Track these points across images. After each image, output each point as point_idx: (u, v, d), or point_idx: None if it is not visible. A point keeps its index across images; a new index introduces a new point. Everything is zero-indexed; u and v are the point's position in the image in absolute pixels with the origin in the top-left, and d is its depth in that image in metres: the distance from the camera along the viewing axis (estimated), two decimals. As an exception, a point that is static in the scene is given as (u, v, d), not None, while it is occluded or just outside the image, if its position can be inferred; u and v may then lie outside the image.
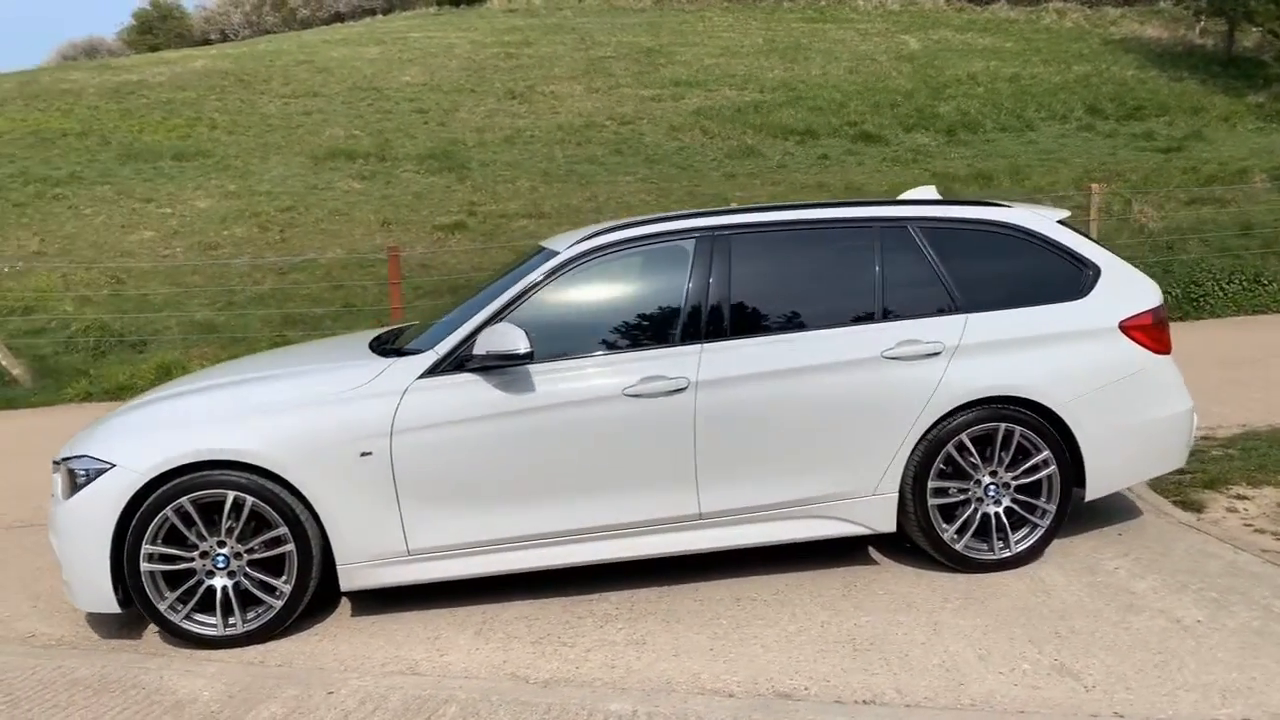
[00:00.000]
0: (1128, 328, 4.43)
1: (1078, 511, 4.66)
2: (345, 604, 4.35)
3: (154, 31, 45.92)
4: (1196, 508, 4.96)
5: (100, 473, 3.88)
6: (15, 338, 10.52)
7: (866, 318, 4.29)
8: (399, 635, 4.02)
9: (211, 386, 4.29)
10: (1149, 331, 4.47)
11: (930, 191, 5.19)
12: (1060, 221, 4.64)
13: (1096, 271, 4.50)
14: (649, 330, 4.24)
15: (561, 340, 4.19)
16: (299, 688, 3.58)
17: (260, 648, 3.96)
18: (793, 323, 4.29)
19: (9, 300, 11.44)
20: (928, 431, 4.23)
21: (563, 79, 22.96)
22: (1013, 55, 24.45)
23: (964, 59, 23.93)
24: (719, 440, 4.11)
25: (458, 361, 4.06)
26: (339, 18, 40.78)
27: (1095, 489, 4.43)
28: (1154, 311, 4.51)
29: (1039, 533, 4.36)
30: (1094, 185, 10.45)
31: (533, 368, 4.07)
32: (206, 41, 41.64)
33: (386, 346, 4.48)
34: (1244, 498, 5.06)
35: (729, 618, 4.02)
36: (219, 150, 17.94)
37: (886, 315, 4.30)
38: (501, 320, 4.10)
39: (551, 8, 33.81)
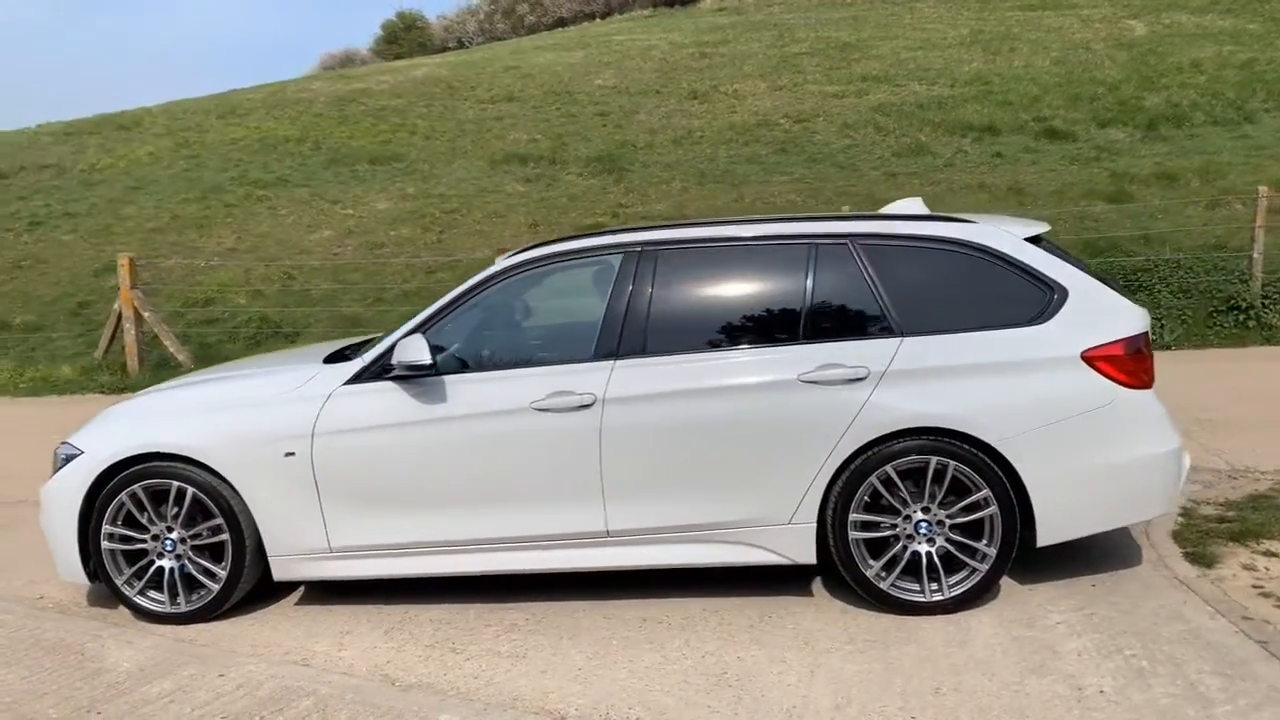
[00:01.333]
0: (1092, 358, 4.01)
1: (1066, 553, 4.29)
2: (303, 591, 4.65)
3: (399, 41, 49.41)
4: (1207, 561, 4.41)
5: (72, 458, 4.36)
6: (191, 326, 11.78)
7: (789, 339, 4.12)
8: (320, 626, 4.28)
9: (179, 385, 4.71)
10: (1120, 363, 4.02)
11: (916, 204, 4.89)
12: (1033, 238, 4.26)
13: (1062, 295, 4.10)
14: (567, 345, 4.28)
15: (483, 352, 4.31)
16: (200, 666, 3.90)
17: (200, 626, 4.32)
18: (712, 342, 4.19)
19: (196, 292, 12.82)
20: (850, 461, 4.01)
21: (749, 77, 22.87)
22: (1254, 39, 22.02)
23: (1193, 44, 21.80)
24: (626, 458, 4.09)
25: (379, 370, 4.25)
26: (561, 23, 42.43)
27: (1047, 534, 4.05)
28: (1128, 341, 4.05)
29: (977, 577, 4.04)
30: (1261, 189, 9.33)
31: (449, 378, 4.20)
32: (445, 49, 44.41)
33: (338, 354, 4.74)
34: (1274, 555, 4.44)
35: (621, 638, 4.00)
36: (412, 154, 19.19)
37: (812, 336, 4.11)
38: (427, 330, 4.26)
39: (760, 4, 33.74)
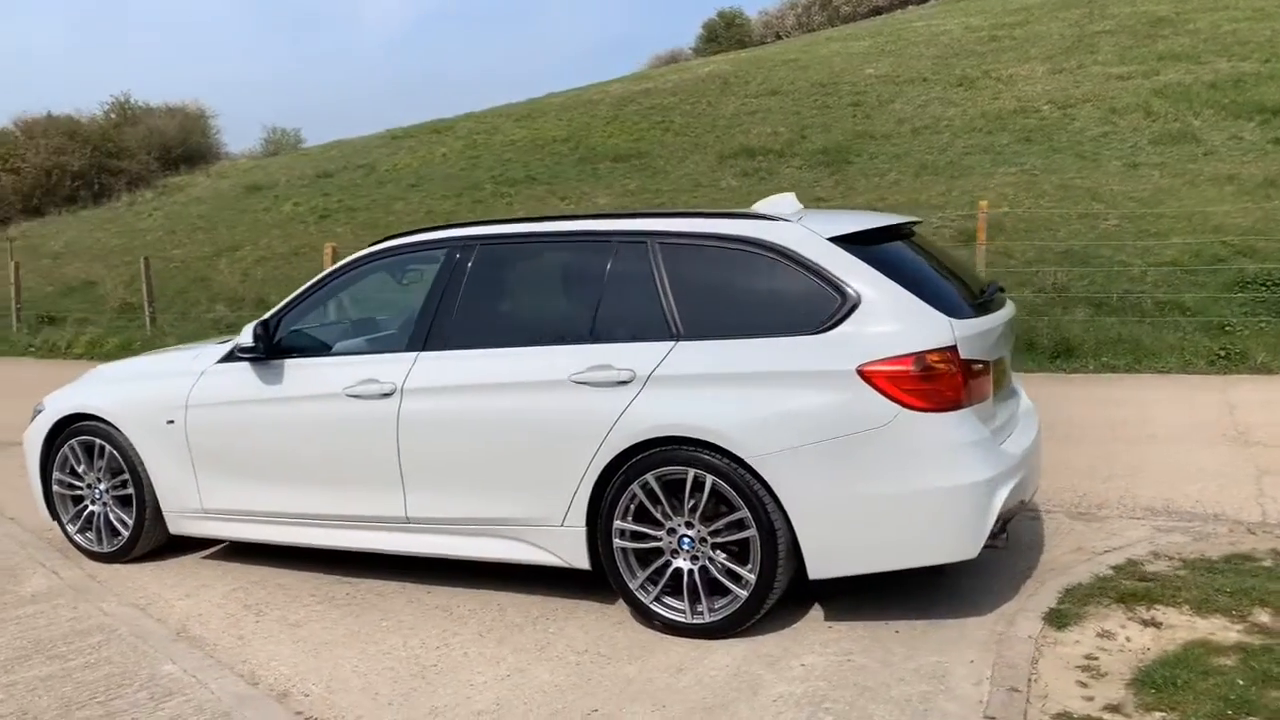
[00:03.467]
0: (871, 373, 3.56)
1: (912, 589, 3.91)
2: (226, 547, 5.22)
3: (719, 39, 50.51)
4: (1061, 622, 3.74)
5: (39, 413, 5.21)
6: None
7: (576, 337, 4.02)
8: (188, 579, 4.80)
9: (133, 359, 5.42)
10: (906, 380, 3.53)
11: (789, 201, 4.52)
12: (845, 236, 3.83)
13: (854, 302, 3.66)
14: (388, 335, 4.46)
15: (320, 339, 4.60)
16: (73, 597, 4.55)
17: (115, 566, 4.99)
18: (508, 338, 4.19)
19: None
20: (615, 466, 3.86)
21: (1030, 60, 21.16)
22: None
23: None
24: (420, 448, 4.21)
25: (233, 352, 4.68)
26: (877, 11, 41.33)
27: (817, 567, 3.66)
28: (919, 356, 3.54)
29: (738, 604, 3.74)
30: None
31: (288, 362, 4.54)
32: (762, 44, 44.81)
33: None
34: (1155, 624, 3.67)
35: (395, 621, 4.15)
36: (655, 151, 19.79)
37: (596, 336, 3.99)
38: (283, 316, 4.63)
39: (1083, -20, 30.94)
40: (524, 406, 4.01)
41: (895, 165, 15.79)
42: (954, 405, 3.57)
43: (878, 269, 3.73)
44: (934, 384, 3.54)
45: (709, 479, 3.71)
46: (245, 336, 4.51)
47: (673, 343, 3.84)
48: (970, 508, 3.56)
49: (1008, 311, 4.34)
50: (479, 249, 4.34)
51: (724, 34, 51.19)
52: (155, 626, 4.19)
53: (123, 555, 5.01)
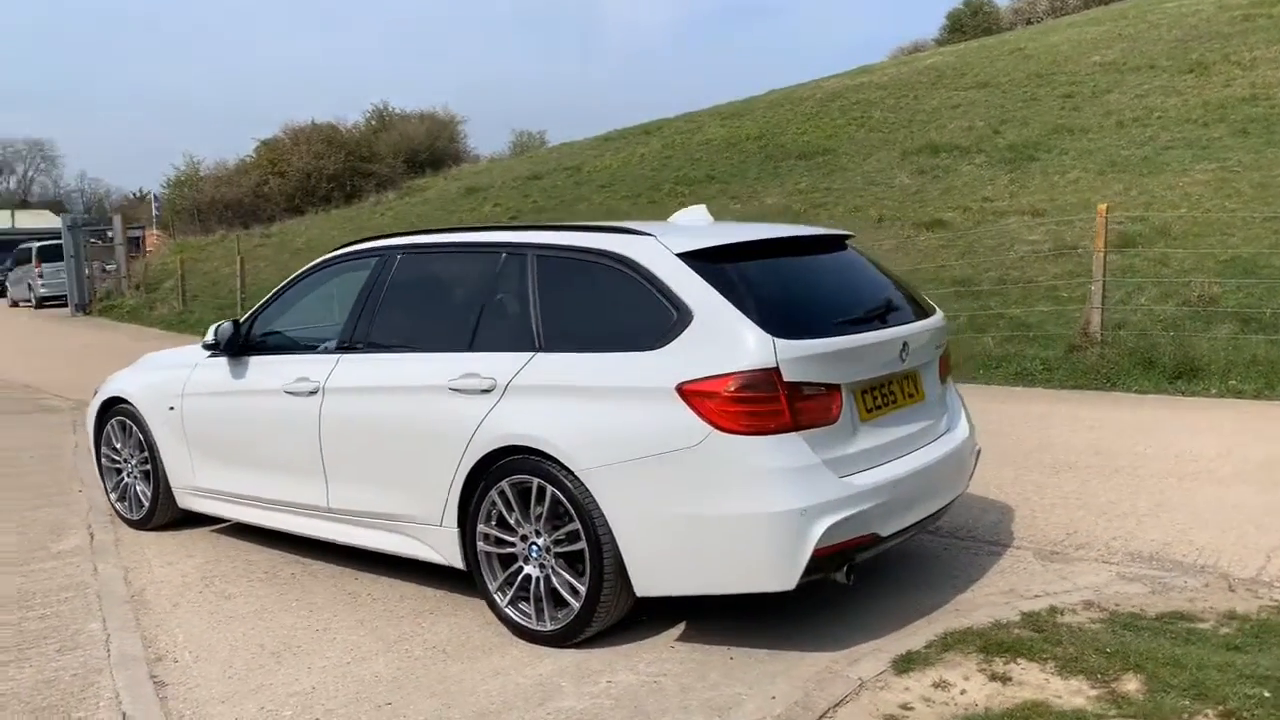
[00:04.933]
0: (688, 392, 3.49)
1: (803, 618, 3.82)
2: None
3: (964, 29, 48.22)
4: (906, 666, 3.50)
5: (95, 394, 5.99)
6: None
7: (458, 345, 4.18)
8: (180, 546, 5.37)
9: (168, 350, 6.07)
10: (719, 401, 3.44)
11: (699, 213, 4.47)
12: (699, 251, 3.75)
13: (686, 319, 3.59)
14: (323, 336, 4.79)
15: (282, 336, 5.01)
16: (85, 557, 5.23)
17: (136, 532, 5.66)
18: (408, 343, 4.41)
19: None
20: (476, 471, 3.99)
21: (1280, 42, 18.91)
22: None
23: None
24: (335, 443, 4.52)
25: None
26: (1135, -9, 38.14)
27: (641, 584, 3.64)
28: (735, 377, 3.43)
29: (572, 615, 3.77)
30: None
31: (253, 359, 4.99)
32: (1011, 29, 42.40)
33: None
34: (1005, 679, 3.37)
35: (307, 602, 4.47)
36: (842, 148, 19.36)
37: (474, 345, 4.13)
38: (256, 316, 5.09)
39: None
40: (411, 410, 4.21)
41: (1081, 162, 14.61)
42: (772, 429, 3.43)
43: (724, 286, 3.62)
44: (747, 406, 3.41)
45: (549, 489, 3.76)
46: (209, 335, 5.00)
47: (532, 354, 3.91)
48: (778, 538, 3.39)
49: (917, 326, 4.07)
50: (400, 257, 4.59)
51: (969, 23, 48.80)
52: (121, 589, 4.75)
53: (145, 524, 5.67)
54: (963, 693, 3.31)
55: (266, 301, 5.12)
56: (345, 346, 4.59)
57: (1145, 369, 8.11)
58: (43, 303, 27.50)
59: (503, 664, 3.73)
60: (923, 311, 4.30)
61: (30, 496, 6.58)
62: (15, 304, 30.15)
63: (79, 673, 3.81)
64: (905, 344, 3.93)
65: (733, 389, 3.43)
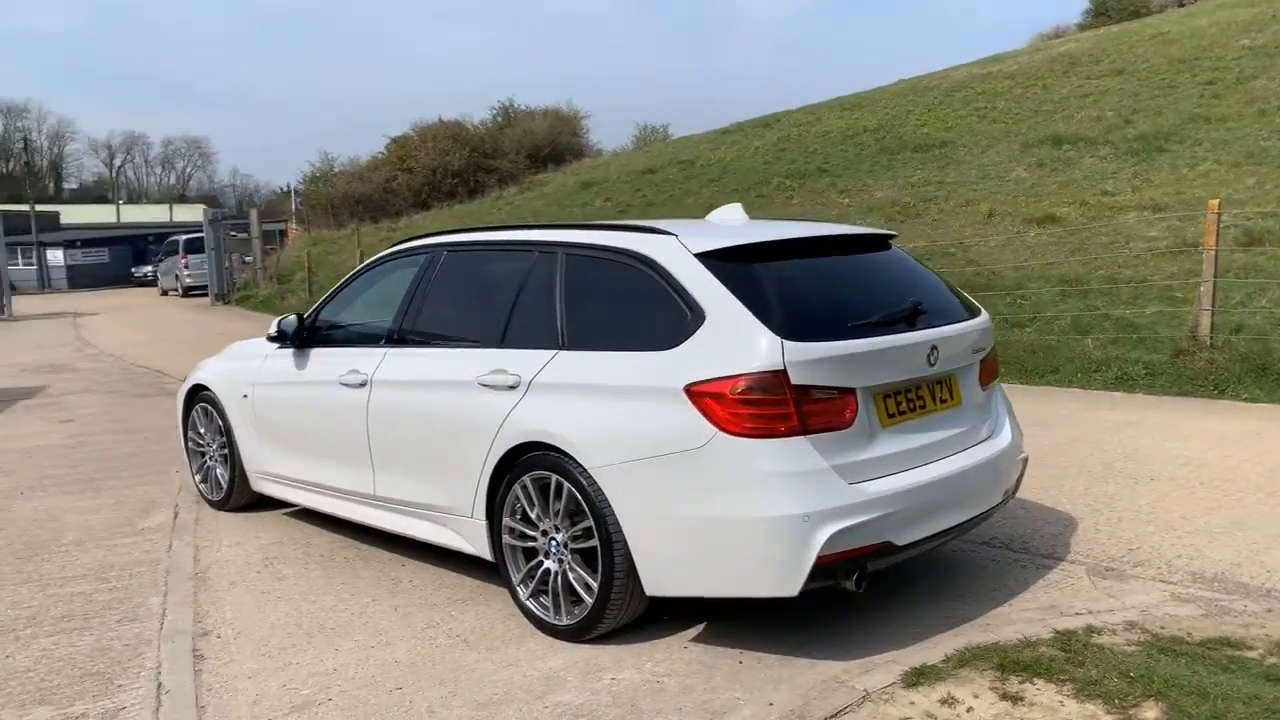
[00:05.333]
0: (696, 393, 3.47)
1: (827, 627, 3.79)
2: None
3: (1108, 12, 45.95)
4: (915, 680, 3.39)
5: (185, 380, 6.35)
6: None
7: (491, 341, 4.26)
8: (251, 527, 5.64)
9: (246, 341, 6.36)
10: (724, 403, 3.41)
11: (735, 213, 4.43)
12: (718, 251, 3.73)
13: (699, 319, 3.58)
14: (377, 330, 4.95)
15: (341, 330, 5.20)
16: (162, 535, 5.56)
17: (217, 513, 5.98)
18: (447, 338, 4.53)
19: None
20: (502, 466, 4.07)
21: None
22: None
23: None
24: (381, 434, 4.67)
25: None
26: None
27: (651, 584, 3.64)
28: (740, 379, 3.40)
29: (586, 611, 3.81)
30: None
31: (314, 351, 5.20)
32: (1162, 11, 40.26)
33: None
34: (1014, 699, 3.24)
35: (351, 586, 4.64)
36: (960, 140, 18.79)
37: (505, 342, 4.21)
38: (320, 311, 5.31)
39: None
40: (447, 403, 4.31)
41: (1215, 154, 13.78)
42: (779, 432, 3.37)
43: (738, 286, 3.59)
44: (753, 409, 3.37)
45: (566, 486, 3.81)
46: (273, 328, 5.23)
47: (555, 351, 3.96)
48: (779, 543, 3.34)
49: (950, 330, 3.93)
50: (445, 255, 4.71)
51: (1114, 5, 46.53)
52: (188, 565, 5.03)
53: (224, 505, 5.98)
54: (969, 710, 3.20)
55: (329, 296, 5.32)
56: (392, 340, 4.74)
57: (1258, 376, 7.61)
58: (188, 292, 29.24)
59: (517, 656, 3.79)
60: (963, 314, 4.16)
61: (133, 475, 7.02)
62: (165, 293, 32.14)
63: (131, 643, 4.06)
64: (934, 348, 3.81)
65: (739, 391, 3.39)
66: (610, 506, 3.64)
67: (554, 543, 3.93)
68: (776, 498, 3.36)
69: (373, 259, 5.20)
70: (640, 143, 49.73)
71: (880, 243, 4.36)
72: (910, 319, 3.82)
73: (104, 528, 5.73)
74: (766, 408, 3.38)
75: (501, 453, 4.02)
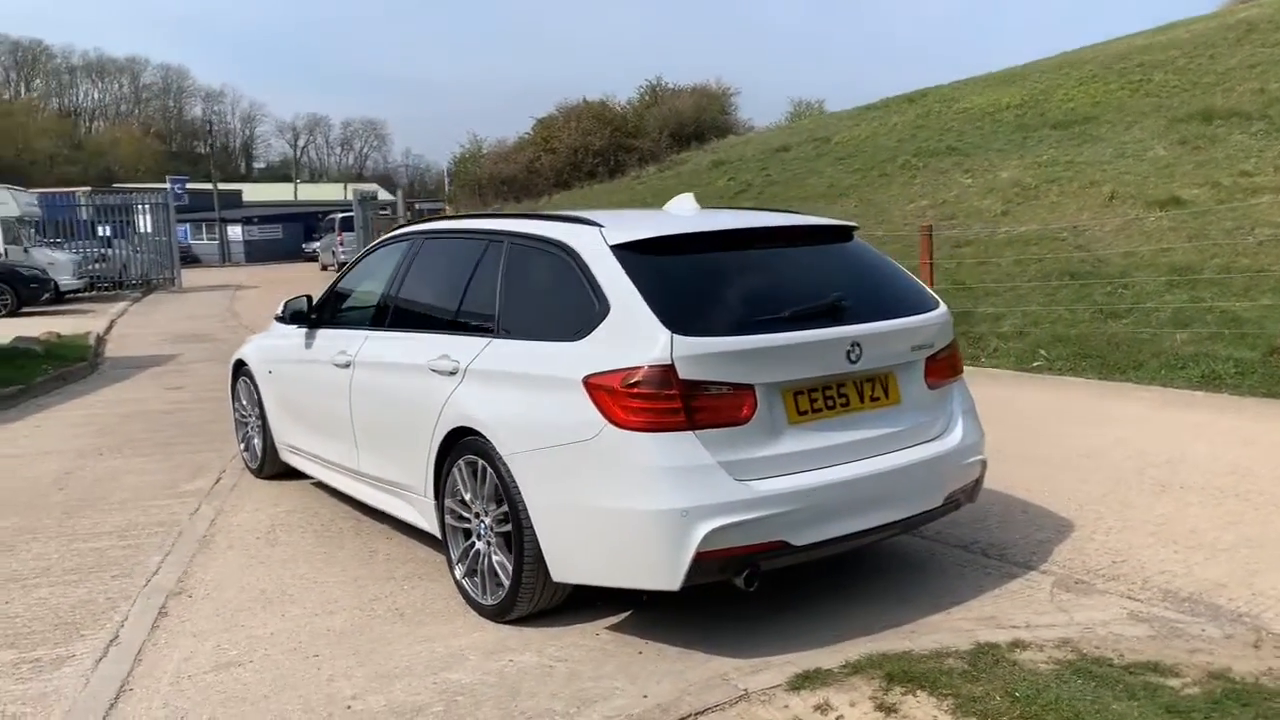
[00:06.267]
0: (591, 385, 3.50)
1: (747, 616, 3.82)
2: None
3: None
4: (801, 684, 3.32)
5: (231, 356, 6.79)
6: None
7: (442, 328, 4.40)
8: (273, 494, 5.98)
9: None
10: (616, 396, 3.42)
11: (688, 202, 4.38)
12: (634, 243, 3.72)
13: (605, 311, 3.59)
14: (366, 313, 5.16)
15: (341, 312, 5.45)
16: (194, 498, 6.00)
17: (253, 479, 6.39)
18: (412, 323, 4.68)
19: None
20: (443, 447, 4.20)
21: None
22: None
23: None
24: (360, 413, 4.89)
25: (292, 318, 5.72)
26: None
27: (556, 570, 3.70)
28: (631, 372, 3.40)
29: (503, 594, 3.90)
30: None
31: (319, 331, 5.47)
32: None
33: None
34: (889, 710, 3.13)
35: (330, 555, 4.89)
36: (1105, 116, 17.68)
37: (453, 328, 4.33)
38: (334, 289, 5.58)
39: None
40: (404, 386, 4.48)
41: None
42: (665, 426, 3.35)
43: (644, 279, 3.57)
44: (641, 402, 3.36)
45: (489, 471, 3.90)
46: (279, 309, 5.53)
47: (491, 339, 4.05)
48: (659, 537, 3.32)
49: (879, 326, 3.78)
50: (422, 242, 4.86)
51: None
52: (201, 529, 5.40)
53: (260, 473, 6.38)
54: (839, 718, 3.12)
55: (336, 279, 5.57)
56: (373, 322, 4.94)
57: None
58: (341, 266, 30.87)
59: (439, 632, 3.92)
60: (910, 310, 3.98)
61: (203, 442, 7.56)
62: (324, 268, 34.04)
63: (113, 597, 4.42)
64: (856, 344, 3.67)
65: (627, 384, 3.39)
66: (520, 493, 3.71)
67: (483, 525, 4.03)
68: (657, 492, 3.34)
69: (372, 244, 5.41)
70: (793, 119, 48.98)
71: (835, 234, 4.23)
72: (833, 314, 3.70)
73: (151, 489, 6.21)
74: (653, 402, 3.36)
75: (443, 435, 4.15)
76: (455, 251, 4.66)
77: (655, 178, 28.41)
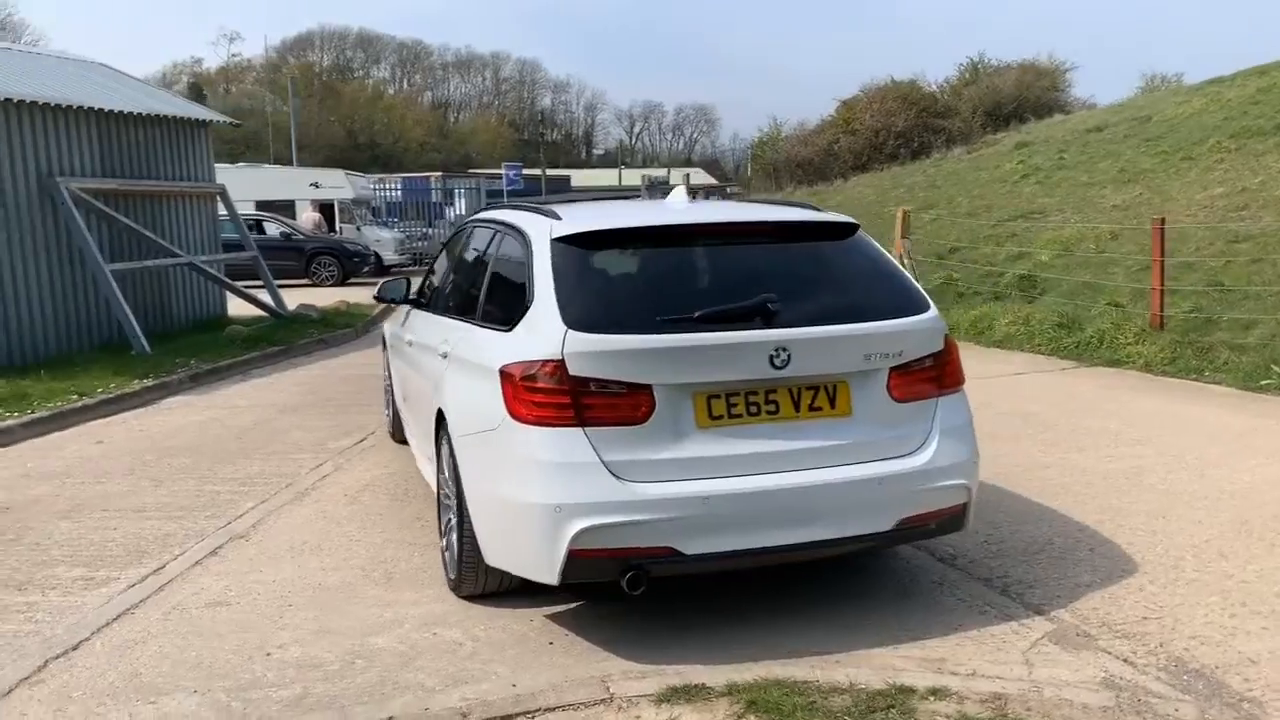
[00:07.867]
0: (503, 374, 3.56)
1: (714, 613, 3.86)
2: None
3: None
4: (664, 699, 3.21)
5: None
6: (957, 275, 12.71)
7: (454, 313, 4.62)
8: (379, 458, 6.50)
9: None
10: (515, 388, 3.46)
11: (679, 194, 4.27)
12: (575, 236, 3.71)
13: (530, 302, 3.63)
14: (430, 295, 5.49)
15: (422, 292, 5.81)
16: (312, 455, 6.68)
17: (386, 440, 6.99)
18: (445, 307, 4.93)
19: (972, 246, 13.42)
20: (437, 426, 4.42)
21: None
22: None
23: None
24: (409, 387, 5.29)
25: (400, 297, 6.16)
26: None
27: (488, 554, 3.77)
28: (525, 366, 3.42)
29: (456, 571, 4.07)
30: None
31: (414, 311, 5.88)
32: None
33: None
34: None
35: (362, 524, 5.29)
36: None
37: (457, 314, 4.55)
38: (432, 273, 5.99)
39: None
40: (426, 366, 4.79)
41: None
42: (551, 421, 3.34)
43: (565, 273, 3.58)
44: (531, 396, 3.37)
45: (449, 451, 4.07)
46: (377, 289, 5.99)
47: (470, 326, 4.21)
48: (534, 531, 3.32)
49: (816, 331, 3.49)
50: (471, 229, 5.10)
51: None
52: (309, 482, 6.00)
53: (394, 436, 6.96)
54: (687, 737, 2.98)
55: (435, 262, 5.96)
56: (431, 306, 5.26)
57: None
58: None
59: (404, 599, 4.14)
60: (874, 315, 3.62)
61: (370, 406, 8.24)
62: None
63: (190, 535, 5.07)
64: (783, 349, 3.42)
65: (523, 378, 3.41)
66: (461, 475, 3.84)
67: (451, 502, 4.20)
68: (536, 485, 3.34)
69: (453, 231, 5.73)
70: (1146, 92, 44.30)
71: (825, 232, 3.94)
72: (759, 317, 3.46)
73: (303, 445, 6.98)
74: (543, 396, 3.36)
75: (433, 415, 4.37)
76: (479, 241, 4.84)
77: (952, 161, 26.91)
